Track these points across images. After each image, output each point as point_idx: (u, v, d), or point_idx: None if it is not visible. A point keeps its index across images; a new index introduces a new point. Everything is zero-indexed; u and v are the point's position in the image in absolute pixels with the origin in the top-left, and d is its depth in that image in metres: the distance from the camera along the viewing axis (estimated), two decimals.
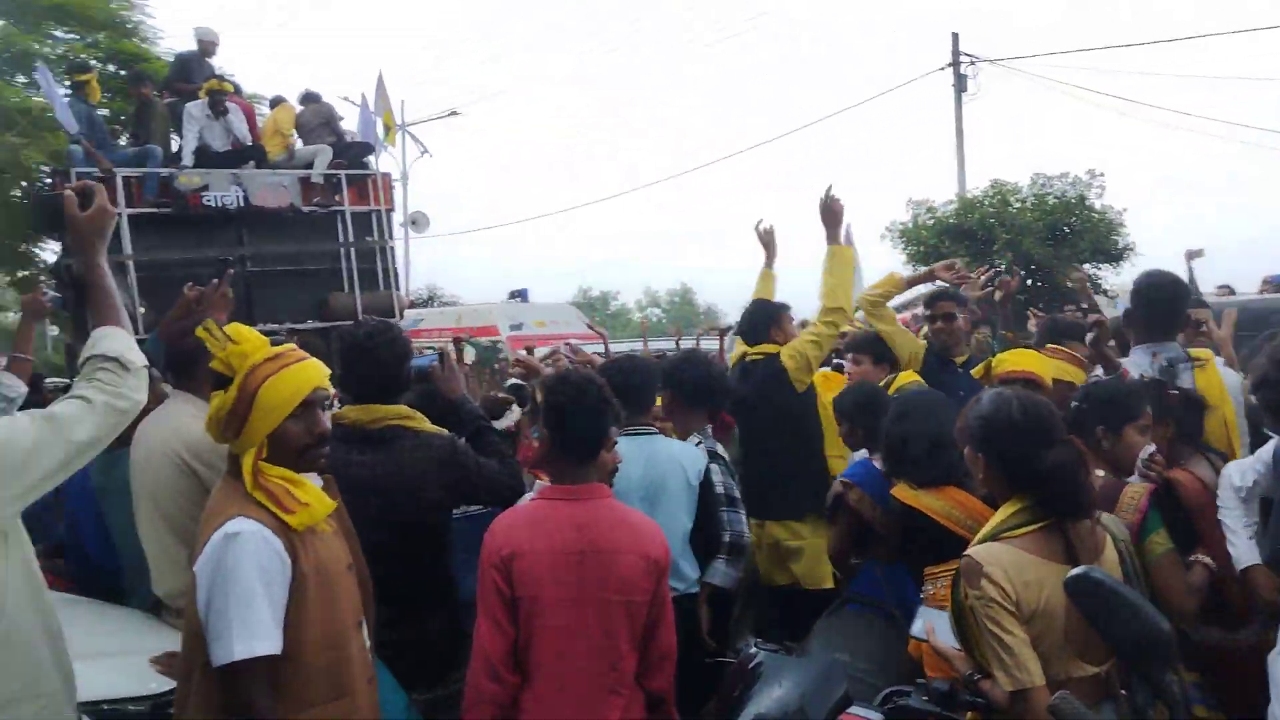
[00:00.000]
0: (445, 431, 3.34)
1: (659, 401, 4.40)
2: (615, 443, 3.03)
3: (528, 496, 3.31)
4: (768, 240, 5.84)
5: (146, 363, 2.44)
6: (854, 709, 2.60)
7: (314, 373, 2.42)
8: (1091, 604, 2.19)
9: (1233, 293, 11.27)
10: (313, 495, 2.35)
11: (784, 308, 5.37)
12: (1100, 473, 3.25)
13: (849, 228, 8.85)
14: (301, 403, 2.36)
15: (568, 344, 7.09)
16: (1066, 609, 2.37)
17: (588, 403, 2.85)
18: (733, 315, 8.69)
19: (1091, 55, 59.94)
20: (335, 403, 3.56)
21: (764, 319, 5.20)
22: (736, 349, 5.42)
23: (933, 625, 2.70)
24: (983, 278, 6.17)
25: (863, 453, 4.14)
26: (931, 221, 17.65)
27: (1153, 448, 3.20)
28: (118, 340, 2.39)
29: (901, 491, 3.58)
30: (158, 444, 3.18)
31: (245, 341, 2.37)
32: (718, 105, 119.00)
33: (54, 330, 18.22)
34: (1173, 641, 2.12)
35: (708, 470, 4.07)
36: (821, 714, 2.62)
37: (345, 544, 2.53)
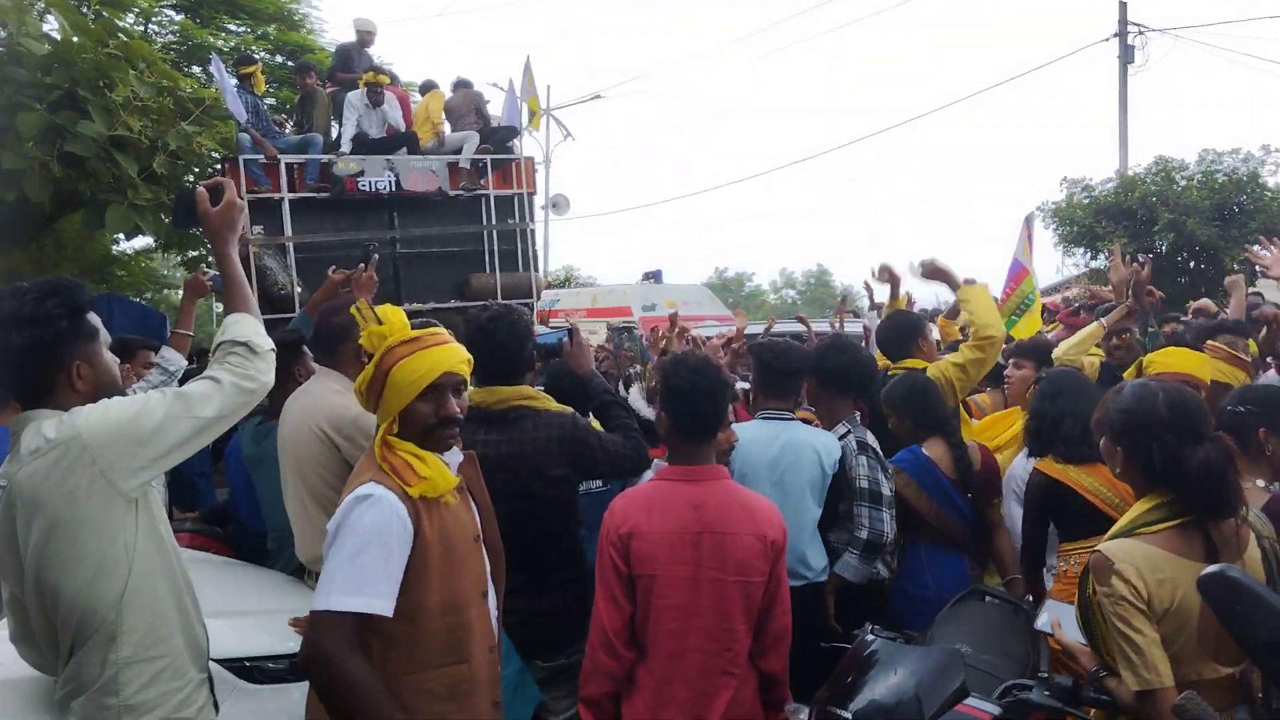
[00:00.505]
0: (568, 409, 3.42)
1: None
2: (731, 423, 3.06)
3: (647, 475, 3.39)
4: (889, 278, 5.81)
5: (274, 346, 2.57)
6: (971, 700, 2.57)
7: (447, 358, 2.50)
8: (1224, 604, 2.09)
9: None
10: (435, 470, 2.44)
11: (925, 320, 5.27)
12: (1261, 482, 3.05)
13: (1030, 217, 8.56)
14: (430, 385, 2.44)
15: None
16: (1201, 609, 2.27)
17: (704, 385, 2.88)
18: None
19: (1271, 23, 55.93)
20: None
21: (908, 333, 5.05)
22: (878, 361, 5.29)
23: (1059, 619, 2.66)
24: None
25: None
26: (1088, 201, 16.85)
27: None
28: (247, 326, 2.53)
29: (1048, 465, 3.73)
30: (302, 417, 3.39)
31: (387, 323, 2.49)
32: (865, 82, 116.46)
33: (219, 307, 19.34)
34: None
35: (854, 462, 3.99)
36: (937, 704, 2.60)
37: (474, 516, 2.63)
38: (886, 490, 3.98)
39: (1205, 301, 5.85)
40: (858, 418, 4.31)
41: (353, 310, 2.55)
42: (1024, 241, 8.30)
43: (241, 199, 2.72)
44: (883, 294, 6.17)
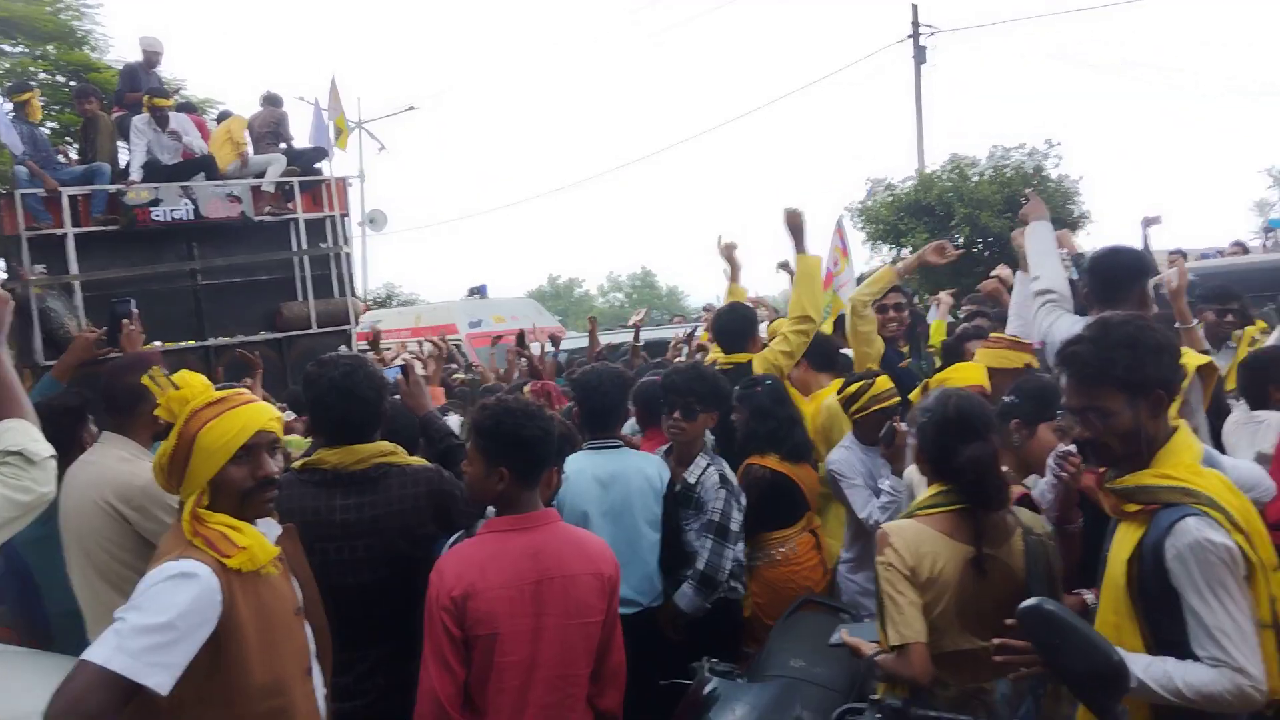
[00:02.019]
0: (426, 463, 3.26)
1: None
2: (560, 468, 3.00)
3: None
4: (729, 256, 5.94)
5: (53, 452, 2.38)
6: None
7: (258, 416, 2.36)
8: (1042, 636, 2.17)
9: (1184, 256, 11.34)
10: (252, 539, 2.29)
11: (757, 314, 5.38)
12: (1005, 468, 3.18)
13: (841, 220, 8.87)
14: (243, 446, 2.30)
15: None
16: (960, 584, 2.63)
17: (531, 430, 2.78)
18: (694, 297, 8.74)
19: (1050, 20, 60.44)
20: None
21: (745, 326, 5.14)
22: (711, 354, 5.38)
23: (845, 631, 2.94)
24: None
25: None
26: (890, 199, 17.68)
27: (1070, 447, 3.09)
28: (21, 434, 2.34)
29: (773, 462, 4.35)
30: (86, 489, 3.12)
31: (187, 387, 2.32)
32: (677, 89, 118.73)
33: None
34: (1125, 673, 2.09)
35: (713, 495, 4.06)
36: None
37: (294, 589, 2.48)
38: (735, 525, 4.06)
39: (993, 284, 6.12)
40: (710, 444, 4.36)
41: (144, 380, 2.34)
42: (835, 245, 8.59)
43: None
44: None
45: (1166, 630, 2.26)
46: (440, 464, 3.35)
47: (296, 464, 3.18)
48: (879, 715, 2.61)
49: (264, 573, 2.32)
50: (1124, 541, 2.39)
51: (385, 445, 3.18)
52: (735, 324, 5.17)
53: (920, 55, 22.10)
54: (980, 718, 2.63)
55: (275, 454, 2.42)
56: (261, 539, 2.33)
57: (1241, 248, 11.41)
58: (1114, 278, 3.78)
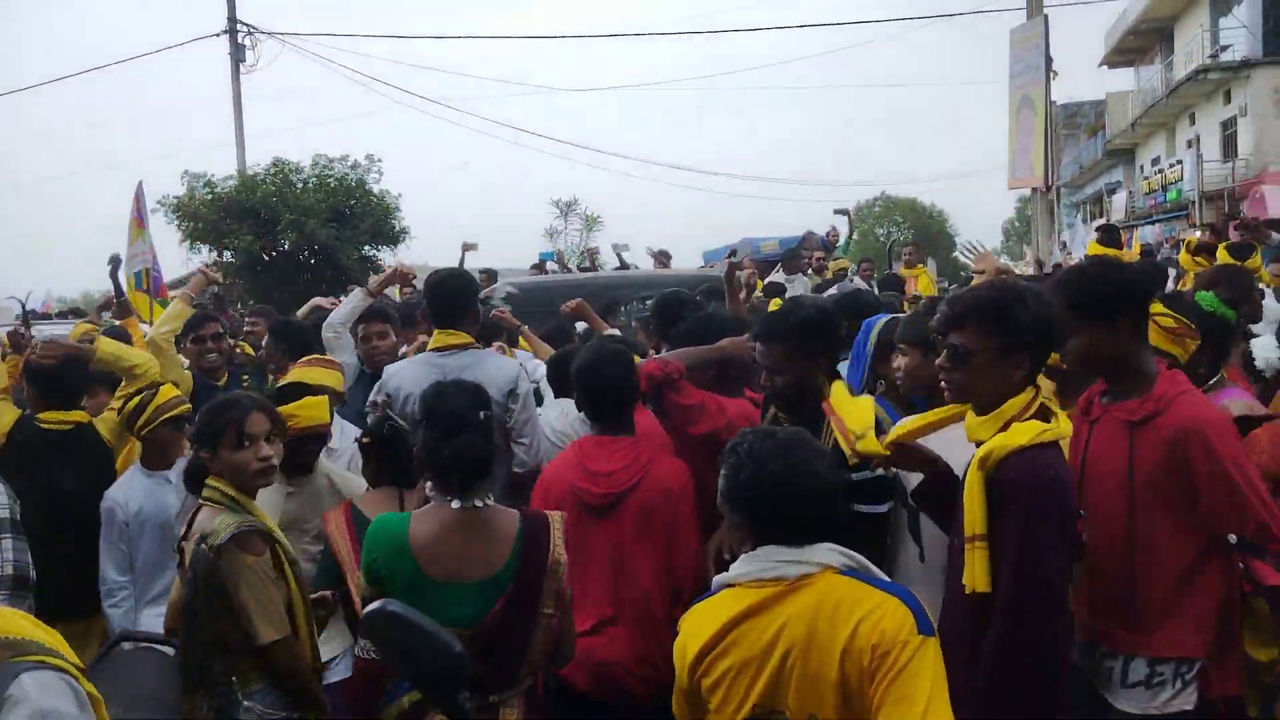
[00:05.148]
0: None
1: None
2: None
3: None
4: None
5: None
6: None
7: None
8: (385, 637, 2.13)
9: (494, 276, 12.59)
10: None
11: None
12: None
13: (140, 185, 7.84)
14: None
15: None
16: None
17: None
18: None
19: (371, 41, 63.25)
20: None
21: (76, 376, 4.29)
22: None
23: None
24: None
25: None
26: (210, 197, 16.76)
27: None
28: None
29: None
30: None
31: None
32: None
33: None
34: (465, 662, 2.11)
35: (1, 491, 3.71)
36: None
37: None
38: (17, 515, 3.78)
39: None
40: None
41: None
42: (133, 215, 7.92)
43: None
44: None
45: None
46: None
47: None
48: None
49: None
50: None
51: None
52: (66, 371, 4.29)
53: (239, 53, 21.49)
54: None
55: None
56: None
57: (539, 269, 13.03)
58: (449, 302, 4.17)
